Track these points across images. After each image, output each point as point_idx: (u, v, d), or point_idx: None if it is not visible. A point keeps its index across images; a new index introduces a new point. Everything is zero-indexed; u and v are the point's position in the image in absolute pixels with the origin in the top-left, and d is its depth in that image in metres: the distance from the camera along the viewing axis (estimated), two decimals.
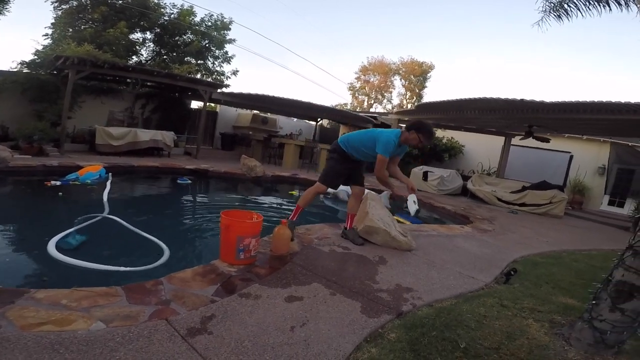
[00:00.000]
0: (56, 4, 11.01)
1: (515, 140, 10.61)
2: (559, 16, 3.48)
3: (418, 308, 2.16)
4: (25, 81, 8.35)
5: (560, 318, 2.17)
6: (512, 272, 2.97)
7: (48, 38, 10.81)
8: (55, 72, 8.70)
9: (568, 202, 8.95)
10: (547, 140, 9.66)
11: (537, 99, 6.77)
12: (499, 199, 8.52)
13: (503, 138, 11.04)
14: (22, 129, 7.17)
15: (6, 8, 7.75)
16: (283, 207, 6.34)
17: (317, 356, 1.55)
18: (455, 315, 2.07)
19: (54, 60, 7.92)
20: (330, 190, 3.54)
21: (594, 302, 1.87)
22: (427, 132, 2.97)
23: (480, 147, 12.98)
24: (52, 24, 11.04)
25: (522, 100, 6.82)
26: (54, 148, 7.34)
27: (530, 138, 9.06)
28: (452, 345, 1.74)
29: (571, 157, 11.50)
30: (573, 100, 6.39)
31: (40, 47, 9.64)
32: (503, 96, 6.99)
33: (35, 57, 9.09)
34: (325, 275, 2.46)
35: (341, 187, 6.45)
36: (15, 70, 8.74)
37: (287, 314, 1.87)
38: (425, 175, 9.58)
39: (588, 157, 11.20)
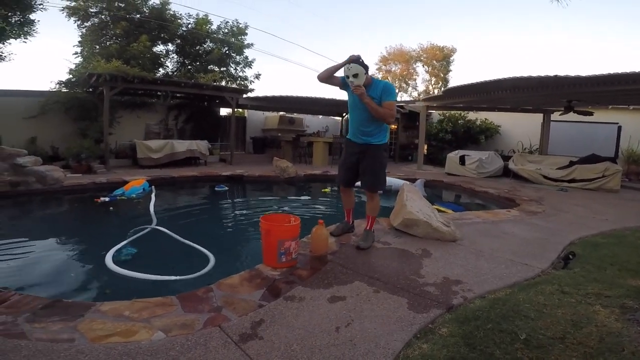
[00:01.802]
0: (79, 22, 11.51)
1: (556, 116, 9.92)
2: None
3: (470, 300, 2.08)
4: (66, 100, 8.91)
5: (632, 302, 1.99)
6: (571, 256, 2.76)
7: (78, 56, 11.43)
8: (91, 89, 9.19)
9: (623, 173, 8.21)
10: (590, 113, 8.92)
11: (572, 74, 6.32)
12: (545, 177, 7.99)
13: (541, 115, 10.35)
14: (70, 149, 7.71)
15: (34, 29, 7.90)
16: (318, 205, 6.37)
17: (364, 356, 1.53)
18: (511, 305, 1.96)
19: (87, 78, 8.36)
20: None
21: None
22: None
23: (517, 126, 12.31)
24: (79, 42, 11.63)
25: (556, 76, 6.38)
26: (101, 165, 7.82)
27: (571, 113, 8.42)
28: (510, 337, 1.65)
29: (619, 127, 10.57)
30: (610, 72, 5.90)
31: (72, 66, 10.24)
32: (534, 74, 6.62)
33: (71, 75, 9.65)
34: (366, 273, 2.43)
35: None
36: (55, 90, 9.32)
37: (331, 314, 1.87)
38: (462, 160, 9.20)
39: (639, 126, 10.35)
